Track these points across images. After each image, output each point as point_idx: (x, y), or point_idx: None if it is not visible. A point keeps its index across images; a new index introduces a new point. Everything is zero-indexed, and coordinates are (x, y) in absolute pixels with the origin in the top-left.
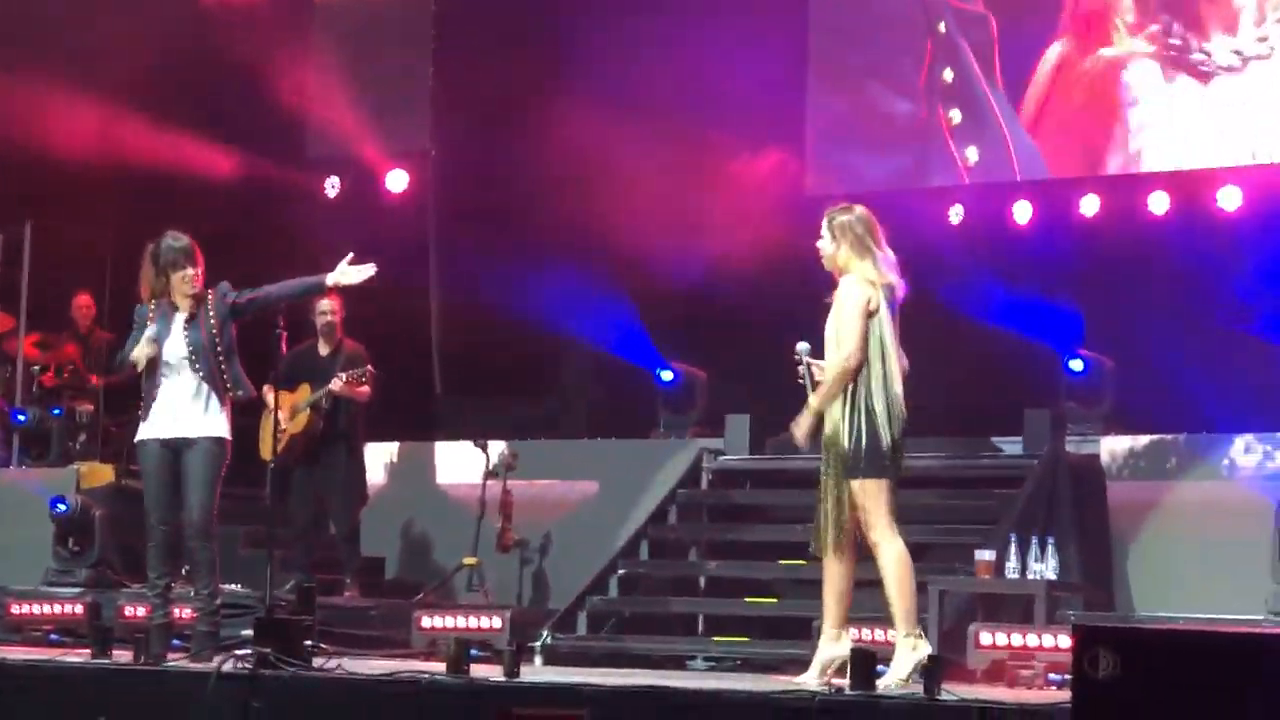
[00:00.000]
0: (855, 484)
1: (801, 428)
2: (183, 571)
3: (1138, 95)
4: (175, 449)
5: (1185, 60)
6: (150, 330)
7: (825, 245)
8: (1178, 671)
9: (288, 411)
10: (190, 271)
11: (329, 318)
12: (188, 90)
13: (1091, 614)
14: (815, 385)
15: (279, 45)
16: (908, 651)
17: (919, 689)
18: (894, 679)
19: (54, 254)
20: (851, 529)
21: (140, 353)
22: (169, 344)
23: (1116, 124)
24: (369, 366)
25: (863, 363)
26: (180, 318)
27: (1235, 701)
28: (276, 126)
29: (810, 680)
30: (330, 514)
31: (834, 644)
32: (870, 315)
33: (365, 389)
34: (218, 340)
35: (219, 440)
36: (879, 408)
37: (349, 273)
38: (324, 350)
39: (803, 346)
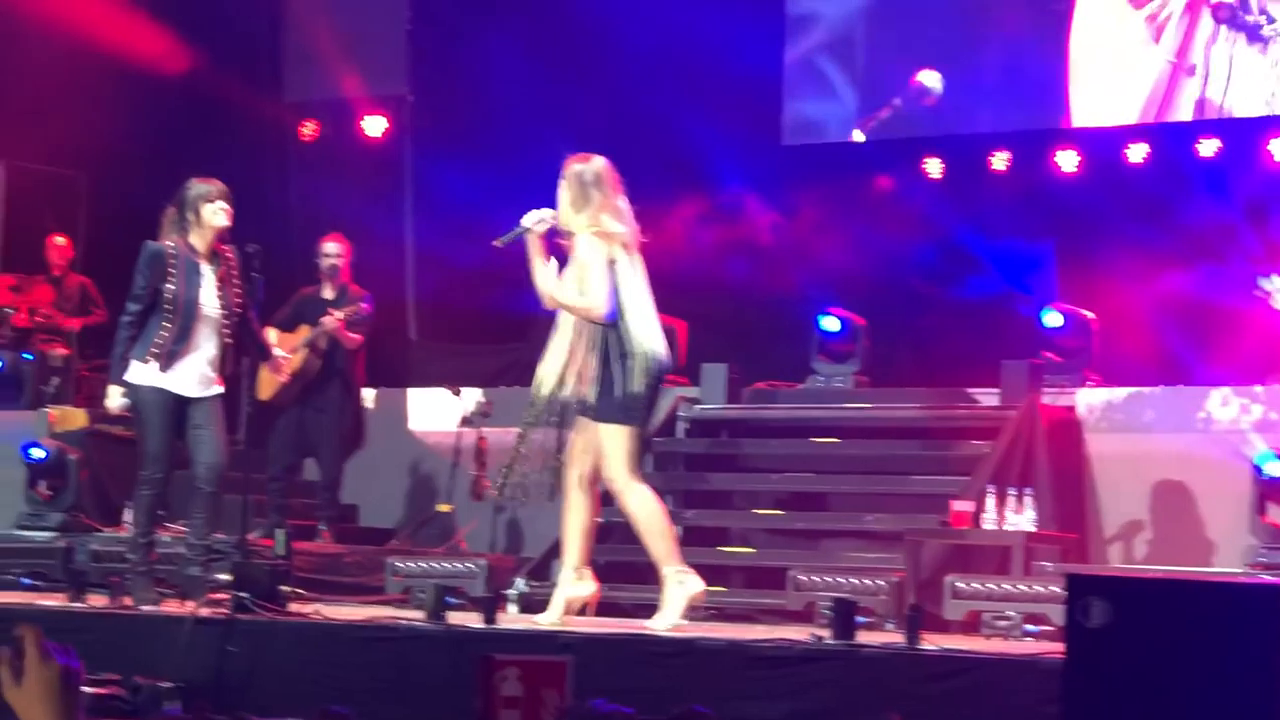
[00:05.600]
0: (606, 428)
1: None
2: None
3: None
4: (185, 401)
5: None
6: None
7: (560, 193)
8: (1171, 619)
9: (287, 352)
10: (222, 204)
11: (333, 260)
12: (173, 14)
13: (1068, 565)
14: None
15: None
16: (675, 588)
17: (694, 631)
18: (666, 621)
19: (27, 194)
20: (591, 469)
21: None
22: (204, 297)
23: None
24: (362, 304)
25: (607, 314)
26: (209, 272)
27: (1228, 648)
28: (252, 58)
29: (548, 620)
30: (317, 458)
31: (576, 583)
32: (609, 266)
33: (357, 336)
34: (244, 304)
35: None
36: (636, 353)
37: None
38: (328, 294)
39: (544, 214)
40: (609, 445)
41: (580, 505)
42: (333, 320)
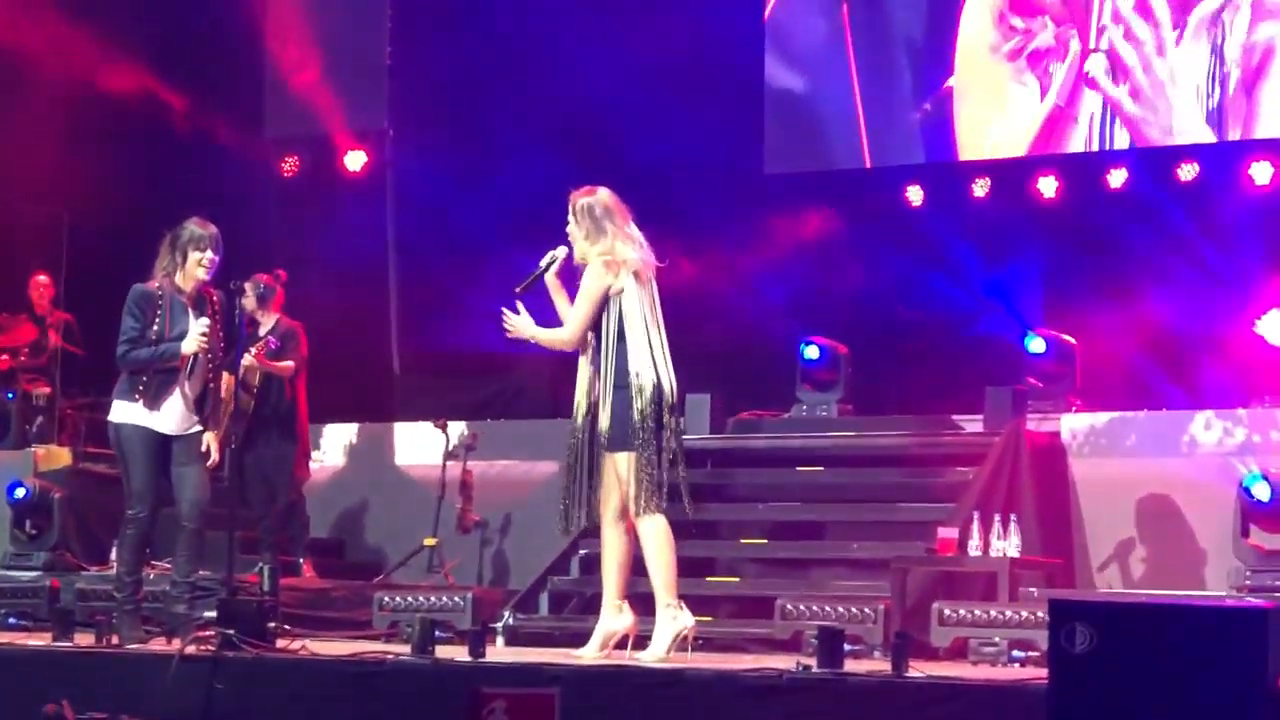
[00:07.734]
0: (617, 457)
1: (525, 330)
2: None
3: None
4: (168, 439)
5: None
6: (198, 325)
7: (571, 228)
8: (1154, 643)
9: (227, 392)
10: (210, 255)
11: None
12: (153, 53)
13: (1054, 590)
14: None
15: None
16: (668, 622)
17: (682, 663)
18: (654, 653)
19: (9, 233)
20: (620, 502)
21: (190, 347)
22: (188, 340)
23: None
24: (266, 338)
25: (577, 345)
26: (194, 313)
27: (1212, 671)
28: (234, 94)
29: (589, 654)
30: (275, 492)
31: (615, 616)
32: (613, 297)
33: (285, 364)
34: (224, 347)
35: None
36: (633, 381)
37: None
38: (263, 330)
39: (557, 253)
40: (621, 472)
41: (615, 539)
42: (249, 359)
